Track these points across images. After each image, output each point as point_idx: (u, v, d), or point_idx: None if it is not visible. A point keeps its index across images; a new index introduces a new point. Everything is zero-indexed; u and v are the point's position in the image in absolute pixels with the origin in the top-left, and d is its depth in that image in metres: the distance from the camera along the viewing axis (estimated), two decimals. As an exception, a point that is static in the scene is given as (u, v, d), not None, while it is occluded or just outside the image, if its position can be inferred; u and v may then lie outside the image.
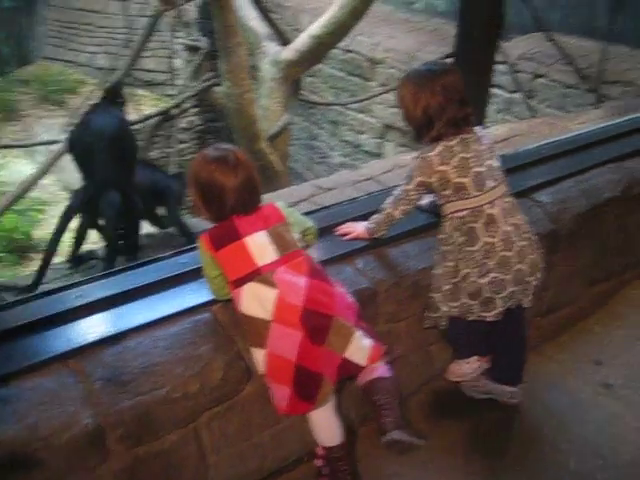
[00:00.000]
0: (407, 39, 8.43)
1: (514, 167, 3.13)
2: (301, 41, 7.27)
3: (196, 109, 9.26)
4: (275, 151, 7.38)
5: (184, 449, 2.01)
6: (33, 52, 12.42)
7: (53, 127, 9.63)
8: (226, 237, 1.98)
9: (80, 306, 2.07)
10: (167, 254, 2.33)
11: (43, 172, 5.88)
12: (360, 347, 2.03)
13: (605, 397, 2.76)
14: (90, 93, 10.79)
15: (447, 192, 2.29)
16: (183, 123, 9.86)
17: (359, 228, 2.51)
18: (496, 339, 2.54)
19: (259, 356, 1.98)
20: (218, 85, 7.05)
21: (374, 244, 2.51)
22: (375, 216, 2.47)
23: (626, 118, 3.99)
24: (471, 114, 2.34)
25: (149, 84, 11.20)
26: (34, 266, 6.56)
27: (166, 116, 7.32)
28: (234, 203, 1.98)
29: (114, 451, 1.85)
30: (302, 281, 1.97)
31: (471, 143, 2.29)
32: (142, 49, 5.96)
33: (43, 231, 7.00)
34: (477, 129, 2.38)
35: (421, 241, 2.62)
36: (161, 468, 1.97)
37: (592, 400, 2.74)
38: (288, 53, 7.40)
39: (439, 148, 2.25)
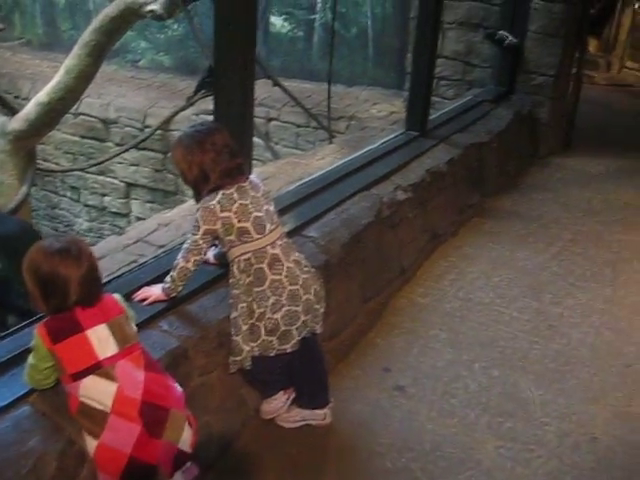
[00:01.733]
0: (137, 96, 8.47)
1: (283, 208, 3.38)
2: (29, 109, 6.93)
3: None
4: (18, 226, 6.94)
5: None
6: None
7: None
8: (66, 330, 1.91)
9: None
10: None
11: None
12: (187, 436, 2.09)
13: (400, 398, 3.09)
14: None
15: (231, 237, 2.46)
16: None
17: (155, 291, 2.55)
18: (297, 369, 2.74)
19: (91, 445, 1.95)
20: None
21: (173, 304, 2.57)
22: (169, 275, 2.53)
23: (367, 149, 4.49)
24: (242, 164, 2.56)
25: None
26: None
27: None
28: (78, 296, 1.93)
29: None
30: (141, 375, 1.99)
31: (248, 190, 2.49)
32: None
33: None
34: (252, 177, 2.59)
35: (215, 293, 2.74)
36: None
37: (390, 403, 3.06)
38: (17, 123, 7.02)
39: (219, 197, 2.43)
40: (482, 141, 5.25)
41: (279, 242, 2.55)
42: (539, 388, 3.19)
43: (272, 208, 2.60)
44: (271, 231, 2.52)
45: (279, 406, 2.81)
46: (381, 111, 7.34)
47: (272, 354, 2.56)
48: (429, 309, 3.82)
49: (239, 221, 2.43)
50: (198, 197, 2.50)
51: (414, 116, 4.87)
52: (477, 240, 4.69)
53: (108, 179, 8.45)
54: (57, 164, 8.75)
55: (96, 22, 6.58)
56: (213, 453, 2.61)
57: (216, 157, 2.44)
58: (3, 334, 2.34)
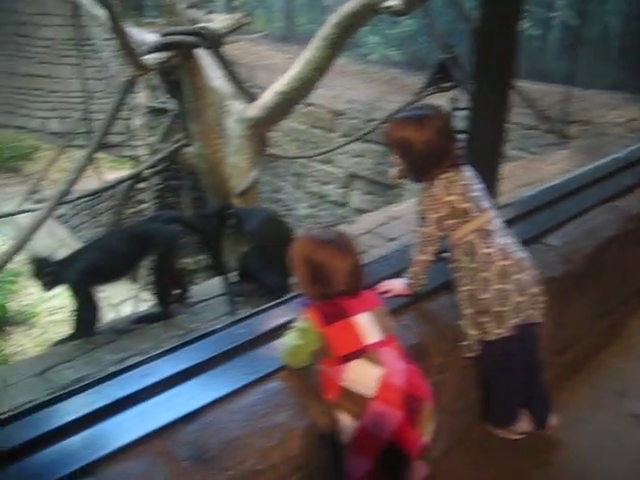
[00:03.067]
0: (366, 90, 8.68)
1: (521, 214, 3.29)
2: (267, 98, 7.37)
3: (167, 170, 9.28)
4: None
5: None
6: (-17, 121, 12.24)
7: (11, 194, 9.45)
8: (334, 314, 2.00)
9: (150, 385, 2.07)
10: (221, 325, 2.35)
11: (23, 243, 5.77)
12: (431, 428, 2.10)
13: (636, 427, 2.87)
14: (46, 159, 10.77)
15: (454, 220, 2.40)
16: (142, 183, 9.83)
17: (398, 285, 2.58)
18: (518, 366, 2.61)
19: (350, 426, 2.00)
20: (188, 146, 7.09)
21: (413, 300, 2.59)
22: (408, 272, 2.55)
23: (610, 158, 4.22)
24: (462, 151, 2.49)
25: (104, 146, 11.15)
26: (11, 339, 6.40)
27: (138, 178, 7.31)
28: (343, 286, 2.02)
29: (207, 530, 1.84)
30: (402, 363, 2.03)
31: (463, 171, 2.43)
32: (116, 113, 5.97)
33: (19, 303, 6.84)
34: None
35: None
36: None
37: (624, 431, 2.85)
38: (254, 110, 7.50)
39: (439, 182, 2.38)
40: None
41: (495, 221, 2.46)
42: None
43: (483, 187, 2.51)
44: (487, 209, 2.44)
45: (524, 430, 2.73)
46: (620, 117, 6.86)
47: (490, 338, 2.47)
48: (672, 335, 3.51)
49: (462, 202, 2.38)
50: (417, 179, 2.47)
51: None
52: None
53: (330, 168, 8.75)
54: (284, 151, 9.23)
55: (336, 17, 6.80)
56: (435, 453, 2.60)
57: (447, 141, 2.39)
58: (260, 308, 2.50)
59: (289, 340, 2.10)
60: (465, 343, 2.52)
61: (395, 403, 1.97)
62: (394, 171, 2.53)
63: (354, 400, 1.99)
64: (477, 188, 2.45)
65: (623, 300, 3.63)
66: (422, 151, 2.37)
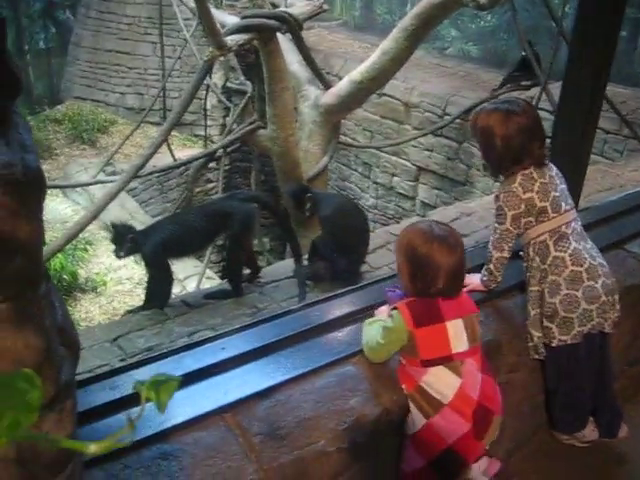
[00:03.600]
0: (441, 84, 8.57)
1: (603, 218, 3.20)
2: (342, 86, 7.38)
3: (238, 151, 9.39)
4: (314, 193, 7.46)
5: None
6: (64, 92, 12.60)
7: (86, 165, 9.72)
8: (428, 316, 1.98)
9: (225, 359, 2.10)
10: (299, 306, 2.37)
11: (97, 213, 5.94)
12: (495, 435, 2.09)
13: None
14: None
15: (531, 218, 2.35)
16: (213, 163, 9.97)
17: (475, 280, 2.56)
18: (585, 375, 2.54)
19: (419, 422, 2.01)
20: (262, 128, 7.16)
21: (488, 297, 2.56)
22: (484, 268, 2.52)
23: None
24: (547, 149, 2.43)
25: (178, 124, 11.35)
26: (80, 305, 6.61)
27: (210, 158, 7.42)
28: (443, 286, 1.99)
29: (274, 505, 1.86)
30: (479, 376, 2.02)
31: (545, 170, 2.36)
32: (194, 93, 6.07)
33: (89, 271, 7.06)
34: None
35: (529, 293, 2.66)
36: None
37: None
38: (329, 97, 7.52)
39: (519, 178, 2.32)
40: None
41: (573, 224, 2.39)
42: None
43: (565, 187, 2.44)
44: (566, 211, 2.37)
45: (590, 438, 2.66)
46: None
47: (554, 344, 2.42)
48: None
49: (540, 200, 2.32)
50: (495, 173, 2.43)
51: None
52: None
53: (400, 160, 8.70)
54: (354, 140, 9.23)
55: (418, 8, 6.73)
56: (500, 453, 2.57)
57: (531, 139, 2.32)
58: (335, 293, 2.51)
59: (373, 334, 2.07)
60: (531, 344, 2.48)
61: (466, 414, 1.96)
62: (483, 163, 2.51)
63: (428, 401, 1.99)
64: (559, 188, 2.38)
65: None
66: (502, 146, 2.32)
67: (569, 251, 2.35)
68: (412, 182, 8.65)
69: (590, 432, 2.65)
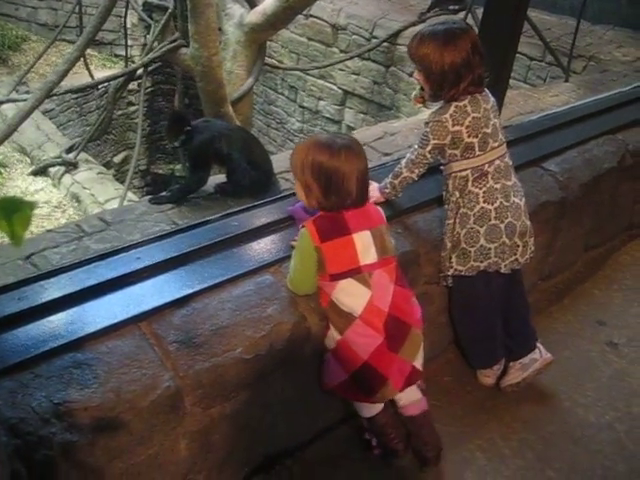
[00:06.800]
0: (369, 6, 8.42)
1: (522, 137, 3.25)
2: (268, 4, 7.14)
3: (160, 73, 9.04)
4: (239, 115, 7.29)
5: (250, 410, 2.04)
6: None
7: (-2, 85, 9.18)
8: (334, 230, 1.96)
9: (141, 268, 2.06)
10: (217, 216, 2.32)
11: (10, 134, 5.64)
12: (421, 355, 2.13)
13: (611, 355, 2.94)
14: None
15: (456, 152, 2.34)
16: (132, 85, 9.58)
17: (373, 191, 2.48)
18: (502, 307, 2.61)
19: (334, 337, 2.05)
20: (184, 46, 6.88)
21: (407, 209, 2.57)
22: (389, 179, 2.50)
23: (616, 91, 4.16)
24: (485, 72, 2.36)
25: (97, 43, 10.82)
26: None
27: (130, 77, 7.11)
28: (356, 194, 1.96)
29: (191, 413, 1.86)
30: (391, 287, 2.02)
31: (480, 102, 2.33)
32: (111, 8, 5.75)
33: (4, 195, 6.74)
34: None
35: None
36: (230, 429, 2.00)
37: (600, 358, 2.91)
38: (254, 16, 7.28)
39: (452, 109, 2.29)
40: None
41: (497, 162, 2.39)
42: None
43: (499, 122, 2.43)
44: (493, 148, 2.36)
45: (492, 381, 2.69)
46: (626, 55, 6.73)
47: (449, 272, 2.47)
48: (655, 271, 3.55)
49: (468, 136, 2.30)
50: (433, 99, 2.38)
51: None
52: None
53: (327, 84, 8.57)
54: (280, 62, 9.01)
55: None
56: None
57: (471, 60, 2.26)
58: (251, 204, 2.47)
59: (292, 264, 2.06)
60: (442, 275, 2.53)
61: (377, 327, 1.98)
62: (416, 93, 2.45)
63: (340, 315, 2.00)
64: (491, 123, 2.35)
65: (612, 234, 3.65)
66: (443, 71, 2.25)
67: (484, 189, 2.37)
68: (338, 106, 8.57)
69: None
